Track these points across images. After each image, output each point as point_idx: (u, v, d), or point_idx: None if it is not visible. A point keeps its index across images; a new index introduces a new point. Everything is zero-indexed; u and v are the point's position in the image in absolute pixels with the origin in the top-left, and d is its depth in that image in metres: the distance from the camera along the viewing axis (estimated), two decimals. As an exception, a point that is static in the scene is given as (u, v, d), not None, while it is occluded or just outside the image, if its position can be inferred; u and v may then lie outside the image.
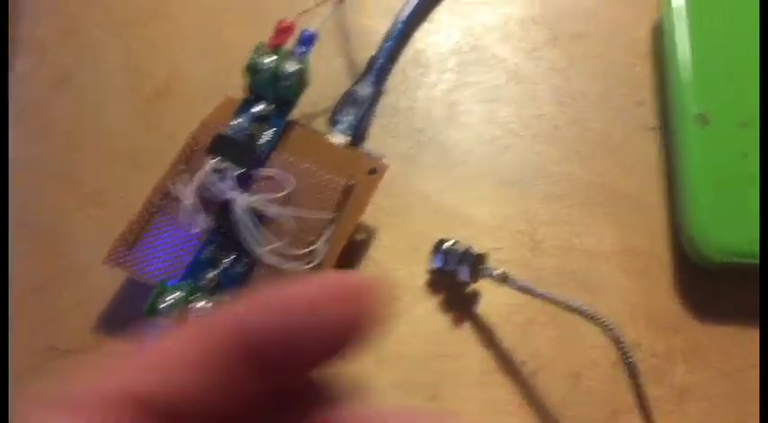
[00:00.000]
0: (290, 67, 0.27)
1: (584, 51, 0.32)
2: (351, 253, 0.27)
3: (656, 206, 0.29)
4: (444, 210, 0.28)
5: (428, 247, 0.27)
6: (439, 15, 0.33)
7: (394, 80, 0.31)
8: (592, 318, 0.24)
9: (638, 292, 0.27)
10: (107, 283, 0.27)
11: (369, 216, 0.28)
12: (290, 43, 0.28)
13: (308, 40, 0.28)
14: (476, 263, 0.26)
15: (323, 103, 0.30)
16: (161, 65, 0.32)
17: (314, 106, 0.30)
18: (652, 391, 0.25)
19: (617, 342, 0.24)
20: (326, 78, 0.31)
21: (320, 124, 0.29)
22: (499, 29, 0.32)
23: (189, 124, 0.28)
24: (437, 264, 0.26)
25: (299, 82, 0.27)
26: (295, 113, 0.28)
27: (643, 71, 0.31)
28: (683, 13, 0.30)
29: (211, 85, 0.31)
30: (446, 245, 0.26)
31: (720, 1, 0.30)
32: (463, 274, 0.26)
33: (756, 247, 0.26)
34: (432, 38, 0.32)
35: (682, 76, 0.29)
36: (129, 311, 0.25)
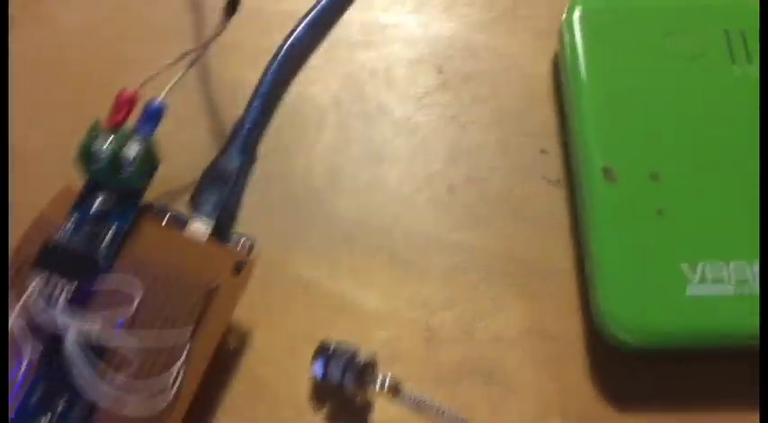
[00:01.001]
0: (132, 150, 0.23)
1: (477, 94, 0.28)
2: (220, 366, 0.24)
3: (567, 275, 0.25)
4: (329, 300, 0.25)
5: (311, 348, 0.23)
6: (315, 61, 0.29)
7: (267, 143, 0.27)
8: None
9: (550, 381, 0.24)
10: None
11: (243, 314, 0.24)
12: (134, 117, 0.24)
13: (153, 115, 0.24)
14: (363, 372, 0.22)
15: (184, 178, 0.26)
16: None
17: (172, 184, 0.26)
18: (570, 499, 0.22)
19: None
20: (186, 149, 0.27)
21: (181, 205, 0.25)
22: (383, 73, 0.29)
23: (25, 217, 0.23)
24: (318, 373, 0.23)
25: (144, 167, 0.23)
26: (150, 194, 0.24)
27: (543, 114, 0.28)
28: (581, 48, 0.26)
29: (56, 162, 0.26)
30: (327, 351, 0.23)
31: (623, 37, 0.27)
32: (349, 386, 0.22)
33: (679, 327, 0.23)
34: (308, 90, 0.28)
35: (583, 124, 0.25)
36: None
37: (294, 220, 0.26)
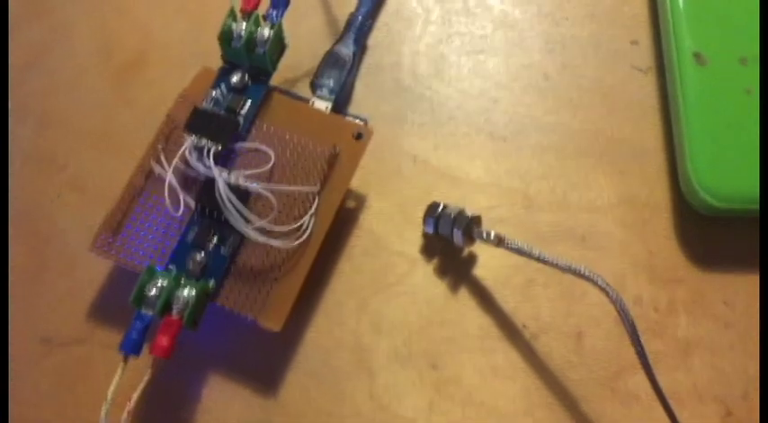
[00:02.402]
0: (264, 32, 0.26)
1: (574, -9, 0.30)
2: (341, 222, 0.27)
3: (654, 152, 0.27)
4: (435, 170, 0.28)
5: (420, 210, 0.26)
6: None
7: (377, 36, 0.30)
8: (589, 279, 0.23)
9: (638, 244, 0.26)
10: (96, 269, 0.26)
11: (358, 182, 0.27)
12: (263, 5, 0.27)
13: (280, 2, 0.27)
14: (469, 226, 0.25)
15: (303, 66, 0.29)
16: (133, 34, 0.30)
17: (294, 71, 0.29)
18: (655, 347, 0.25)
19: (615, 303, 0.23)
20: (305, 40, 0.29)
21: (302, 89, 0.28)
22: (482, -27, 0.31)
23: (167, 97, 0.26)
24: (429, 229, 0.26)
25: (274, 48, 0.26)
26: (275, 79, 0.27)
27: (634, 9, 0.30)
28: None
29: (188, 52, 0.30)
30: (438, 209, 0.26)
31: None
32: (457, 238, 0.25)
33: (759, 193, 0.25)
34: (412, -12, 0.31)
35: (674, 12, 0.27)
36: (120, 299, 0.24)
37: (403, 102, 0.29)
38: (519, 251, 0.24)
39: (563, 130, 0.28)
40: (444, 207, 0.26)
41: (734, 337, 0.25)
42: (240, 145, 0.25)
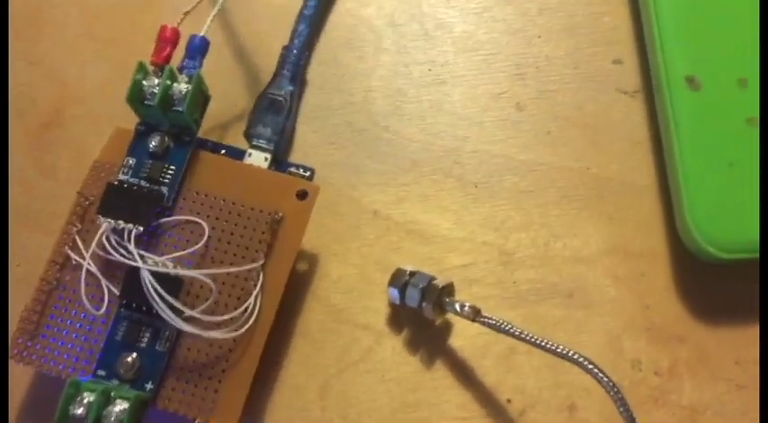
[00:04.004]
0: (181, 88, 0.22)
1: (544, 3, 0.26)
2: (295, 294, 0.23)
3: (648, 191, 0.24)
4: (400, 226, 0.24)
5: (385, 274, 0.23)
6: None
7: (322, 72, 0.26)
8: (577, 363, 0.20)
9: (633, 298, 0.23)
10: (21, 376, 0.23)
11: (313, 243, 0.24)
12: (178, 54, 0.23)
13: (198, 49, 0.23)
14: (440, 297, 0.22)
15: (236, 113, 0.25)
16: (47, 87, 0.26)
17: (225, 120, 0.25)
18: (658, 417, 0.22)
19: (608, 391, 0.20)
20: (235, 83, 0.26)
21: (237, 140, 0.24)
22: (441, -12, 0.27)
23: (88, 161, 0.23)
24: (395, 300, 0.23)
25: (195, 103, 0.22)
26: (204, 132, 0.24)
27: (616, 19, 0.26)
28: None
29: (109, 106, 0.25)
30: (403, 278, 0.22)
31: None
32: (427, 312, 0.22)
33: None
34: (361, 12, 0.27)
35: (662, 30, 0.24)
36: (49, 408, 0.21)
37: (358, 148, 0.25)
38: (497, 327, 0.21)
39: (542, 169, 0.25)
40: (411, 275, 0.23)
41: (748, 401, 0.22)
42: (167, 220, 0.22)
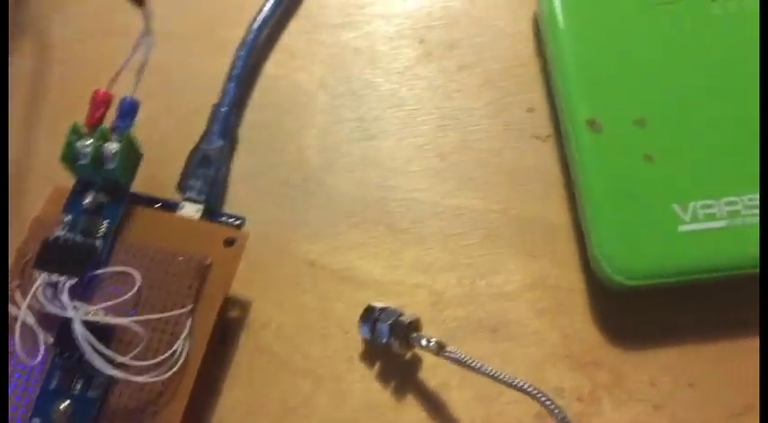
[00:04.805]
0: (113, 146, 0.23)
1: (462, 61, 0.28)
2: (233, 342, 0.25)
3: (564, 229, 0.26)
4: (335, 274, 0.26)
5: (323, 321, 0.25)
6: (292, 43, 0.29)
7: (258, 132, 0.28)
8: (533, 396, 0.21)
9: (554, 329, 0.24)
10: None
11: (251, 294, 0.25)
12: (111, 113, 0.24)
13: (128, 110, 0.24)
14: (407, 332, 0.23)
15: (169, 168, 0.26)
16: None
17: (158, 176, 0.26)
18: (584, 440, 0.23)
19: (552, 414, 0.21)
20: (169, 138, 0.27)
21: (170, 192, 0.26)
22: (366, 51, 0.29)
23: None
24: (365, 336, 0.24)
25: (127, 160, 0.24)
26: (138, 186, 0.25)
27: (529, 73, 0.28)
28: (560, 4, 0.27)
29: (48, 166, 0.27)
30: (373, 314, 0.24)
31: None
32: (395, 346, 0.23)
33: (673, 264, 0.23)
34: (294, 75, 0.29)
35: (565, 77, 0.26)
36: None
37: (294, 201, 0.27)
38: (459, 362, 0.22)
39: (466, 213, 0.26)
40: (381, 311, 0.24)
41: (664, 420, 0.23)
42: (101, 271, 0.23)
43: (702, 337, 0.24)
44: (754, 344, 0.24)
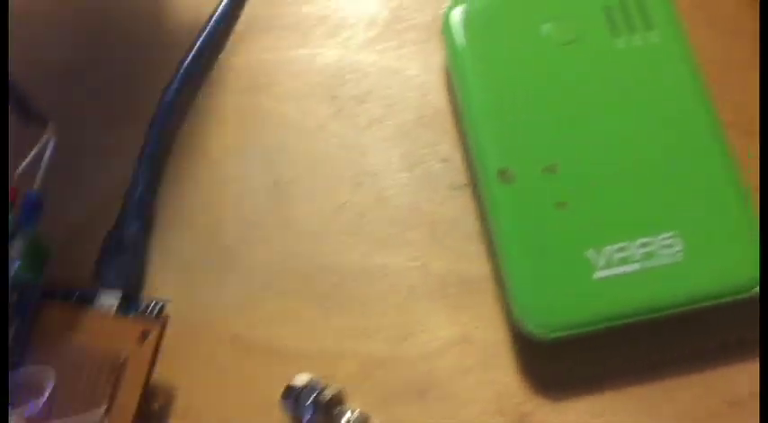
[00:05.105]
0: (17, 246, 0.23)
1: (373, 115, 0.28)
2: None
3: (485, 281, 0.25)
4: (258, 346, 0.25)
5: (247, 398, 0.24)
6: (204, 108, 0.29)
7: (173, 210, 0.27)
8: None
9: (483, 386, 0.24)
10: None
11: (171, 377, 0.25)
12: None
13: (32, 206, 0.24)
14: (329, 407, 0.23)
15: (83, 256, 0.26)
16: None
17: (73, 267, 0.26)
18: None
19: None
20: (81, 225, 0.27)
21: (87, 283, 0.25)
22: (276, 112, 0.28)
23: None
24: (289, 413, 0.23)
25: (33, 258, 0.23)
26: (54, 279, 0.24)
27: (442, 122, 0.28)
28: (463, 50, 0.26)
29: None
30: (295, 390, 0.23)
31: (502, 32, 0.26)
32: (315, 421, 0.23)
33: (591, 312, 0.23)
34: (203, 143, 0.28)
35: (474, 127, 0.26)
36: None
37: (212, 276, 0.26)
38: None
39: (387, 272, 0.26)
40: (304, 386, 0.23)
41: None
42: (15, 372, 0.23)
43: (630, 380, 0.24)
44: (680, 382, 0.24)
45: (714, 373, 0.24)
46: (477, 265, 0.26)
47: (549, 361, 0.24)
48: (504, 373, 0.24)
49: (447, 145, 0.27)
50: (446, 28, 0.27)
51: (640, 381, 0.24)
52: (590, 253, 0.23)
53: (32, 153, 0.24)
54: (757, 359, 0.24)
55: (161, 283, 0.26)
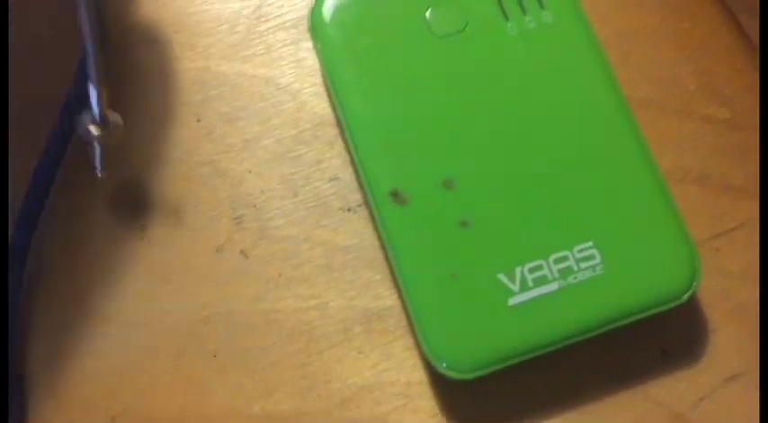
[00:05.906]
0: None
1: (247, 133, 0.24)
2: None
3: (394, 314, 0.22)
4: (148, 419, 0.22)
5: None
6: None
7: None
8: None
9: (404, 433, 0.22)
10: None
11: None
12: None
13: None
14: None
15: None
16: None
17: None
18: None
19: None
20: None
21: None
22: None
23: None
24: None
25: None
26: None
27: (326, 135, 0.24)
28: (336, 52, 0.23)
29: None
30: None
31: (378, 26, 0.23)
32: None
33: (510, 345, 0.20)
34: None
35: (358, 144, 0.22)
36: None
37: (81, 345, 0.23)
38: None
39: (281, 317, 0.23)
40: None
41: None
42: None
43: (566, 406, 0.22)
44: (620, 401, 0.22)
45: (655, 385, 0.22)
46: (384, 297, 0.23)
47: (475, 398, 0.22)
48: (427, 416, 0.22)
49: (335, 160, 0.24)
50: (313, 27, 0.23)
51: (576, 406, 0.22)
52: (502, 277, 0.21)
53: None
54: (700, 366, 0.22)
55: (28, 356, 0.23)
